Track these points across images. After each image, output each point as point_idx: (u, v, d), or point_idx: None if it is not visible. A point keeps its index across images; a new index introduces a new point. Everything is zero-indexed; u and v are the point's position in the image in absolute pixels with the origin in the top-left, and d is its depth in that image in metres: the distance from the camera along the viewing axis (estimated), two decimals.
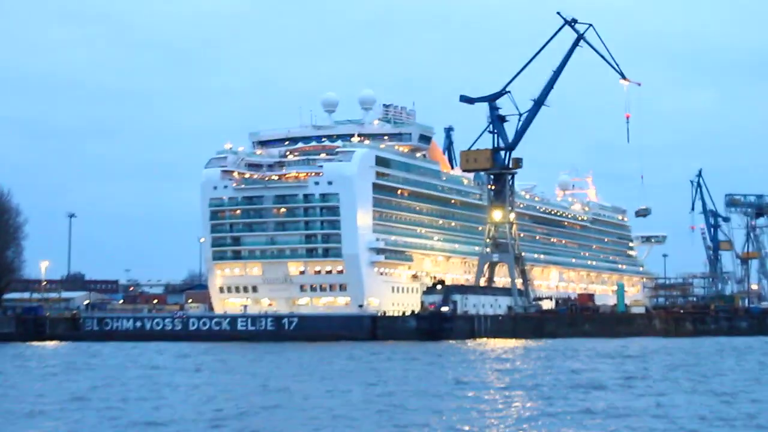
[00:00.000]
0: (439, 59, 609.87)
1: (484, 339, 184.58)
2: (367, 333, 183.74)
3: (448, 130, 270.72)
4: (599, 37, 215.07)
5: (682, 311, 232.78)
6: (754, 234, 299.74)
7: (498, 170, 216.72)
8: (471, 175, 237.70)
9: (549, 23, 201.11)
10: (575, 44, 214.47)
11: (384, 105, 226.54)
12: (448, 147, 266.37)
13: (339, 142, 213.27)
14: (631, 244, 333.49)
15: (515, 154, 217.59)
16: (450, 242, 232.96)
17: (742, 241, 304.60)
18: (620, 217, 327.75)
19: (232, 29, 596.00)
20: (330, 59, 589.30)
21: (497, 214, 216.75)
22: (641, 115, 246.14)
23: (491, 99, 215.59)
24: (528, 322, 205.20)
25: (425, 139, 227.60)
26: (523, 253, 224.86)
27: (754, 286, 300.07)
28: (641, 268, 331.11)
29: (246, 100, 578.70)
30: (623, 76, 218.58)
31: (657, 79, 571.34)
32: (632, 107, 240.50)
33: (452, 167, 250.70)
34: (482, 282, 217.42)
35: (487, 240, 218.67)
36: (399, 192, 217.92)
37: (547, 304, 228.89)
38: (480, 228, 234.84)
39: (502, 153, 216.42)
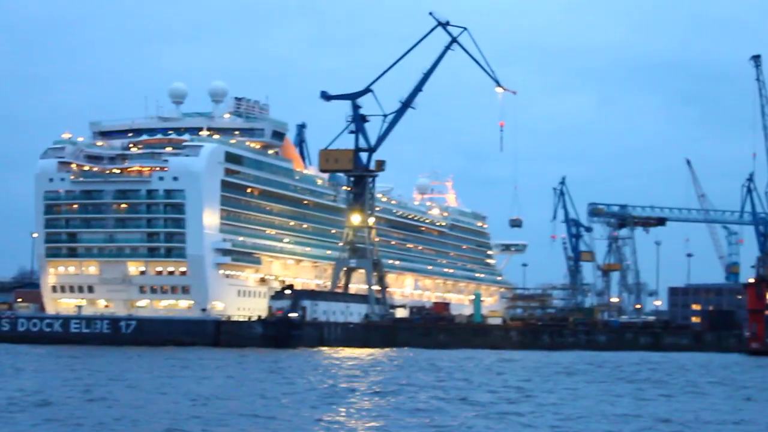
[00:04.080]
0: (301, 53, 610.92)
1: (334, 348, 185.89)
2: (210, 339, 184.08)
3: (301, 127, 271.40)
4: (474, 41, 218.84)
5: (539, 323, 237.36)
6: (616, 245, 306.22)
7: (360, 172, 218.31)
8: (325, 176, 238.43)
9: (423, 23, 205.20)
10: (447, 47, 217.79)
11: (236, 98, 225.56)
12: (300, 145, 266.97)
13: (186, 136, 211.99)
14: (489, 252, 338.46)
15: (377, 155, 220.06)
16: (301, 245, 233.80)
17: (603, 252, 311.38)
18: (480, 224, 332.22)
19: (77, 13, 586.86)
20: (184, 48, 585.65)
21: (356, 218, 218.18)
22: (515, 122, 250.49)
23: (354, 97, 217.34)
24: (380, 331, 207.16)
25: (279, 135, 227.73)
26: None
27: (615, 299, 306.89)
28: (499, 278, 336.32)
29: (89, 88, 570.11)
30: (498, 84, 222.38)
31: (532, 82, 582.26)
32: (507, 115, 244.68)
33: (305, 166, 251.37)
34: (338, 288, 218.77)
35: (345, 245, 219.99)
36: (249, 191, 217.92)
37: (401, 313, 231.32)
38: (333, 231, 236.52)
39: (364, 154, 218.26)
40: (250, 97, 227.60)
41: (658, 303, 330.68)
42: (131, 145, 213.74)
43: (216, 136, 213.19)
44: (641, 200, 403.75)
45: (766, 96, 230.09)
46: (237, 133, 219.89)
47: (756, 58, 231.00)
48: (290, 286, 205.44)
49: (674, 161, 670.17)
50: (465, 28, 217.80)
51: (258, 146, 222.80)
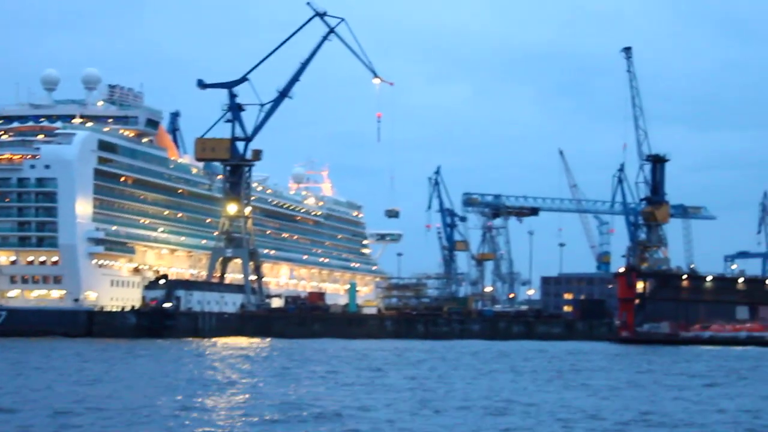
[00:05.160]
0: (176, 40, 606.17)
1: (208, 338, 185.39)
2: (82, 329, 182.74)
3: (174, 116, 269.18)
4: (351, 32, 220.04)
5: (414, 312, 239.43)
6: (490, 235, 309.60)
7: (236, 161, 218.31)
8: (201, 164, 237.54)
9: (301, 12, 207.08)
10: (325, 38, 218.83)
11: (109, 85, 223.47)
12: (173, 133, 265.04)
13: (59, 123, 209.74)
14: (365, 242, 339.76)
15: (254, 145, 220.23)
16: (176, 234, 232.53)
17: (477, 241, 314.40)
18: (355, 213, 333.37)
19: None
20: (57, 35, 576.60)
21: (232, 208, 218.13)
22: (393, 113, 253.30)
23: (230, 86, 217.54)
24: (255, 320, 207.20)
25: (153, 123, 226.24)
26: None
27: (488, 289, 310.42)
28: (375, 267, 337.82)
29: None
30: (376, 75, 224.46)
31: (410, 72, 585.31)
32: (384, 106, 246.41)
33: (179, 155, 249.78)
34: (214, 278, 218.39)
35: (221, 234, 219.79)
36: (123, 179, 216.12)
37: (277, 302, 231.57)
38: (208, 220, 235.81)
39: (241, 143, 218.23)
40: (124, 85, 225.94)
41: (531, 292, 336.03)
42: (2, 133, 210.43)
43: (89, 124, 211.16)
44: (515, 190, 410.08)
45: (636, 88, 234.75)
46: (110, 120, 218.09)
47: (627, 50, 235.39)
48: (164, 276, 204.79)
49: (547, 152, 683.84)
50: (342, 19, 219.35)
51: (132, 134, 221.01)
